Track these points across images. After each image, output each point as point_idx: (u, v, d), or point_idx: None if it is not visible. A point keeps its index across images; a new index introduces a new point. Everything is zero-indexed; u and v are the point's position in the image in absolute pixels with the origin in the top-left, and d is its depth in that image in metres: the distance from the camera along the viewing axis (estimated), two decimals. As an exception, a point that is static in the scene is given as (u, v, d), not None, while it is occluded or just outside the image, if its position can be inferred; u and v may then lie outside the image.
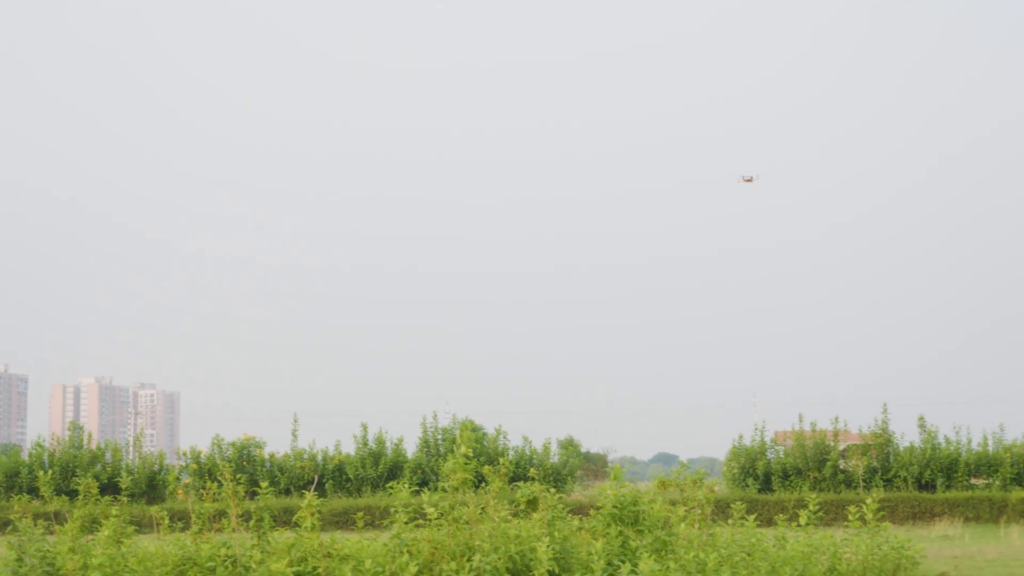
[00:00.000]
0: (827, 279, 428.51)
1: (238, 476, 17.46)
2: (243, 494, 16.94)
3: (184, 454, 48.12)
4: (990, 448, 44.41)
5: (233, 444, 47.89)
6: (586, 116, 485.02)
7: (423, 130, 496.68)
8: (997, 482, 43.29)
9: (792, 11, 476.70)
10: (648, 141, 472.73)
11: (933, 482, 43.77)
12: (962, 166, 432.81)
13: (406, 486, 16.94)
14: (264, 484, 16.92)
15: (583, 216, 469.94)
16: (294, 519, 16.38)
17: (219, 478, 17.21)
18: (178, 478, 46.66)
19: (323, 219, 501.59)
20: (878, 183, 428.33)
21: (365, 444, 47.84)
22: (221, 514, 17.34)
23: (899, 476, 43.79)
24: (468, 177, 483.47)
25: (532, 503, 18.15)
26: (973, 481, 44.72)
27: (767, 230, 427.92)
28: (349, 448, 48.27)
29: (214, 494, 17.00)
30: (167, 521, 17.55)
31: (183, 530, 17.25)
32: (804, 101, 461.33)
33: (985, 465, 44.02)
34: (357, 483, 47.02)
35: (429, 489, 17.48)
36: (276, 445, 51.45)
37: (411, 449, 48.31)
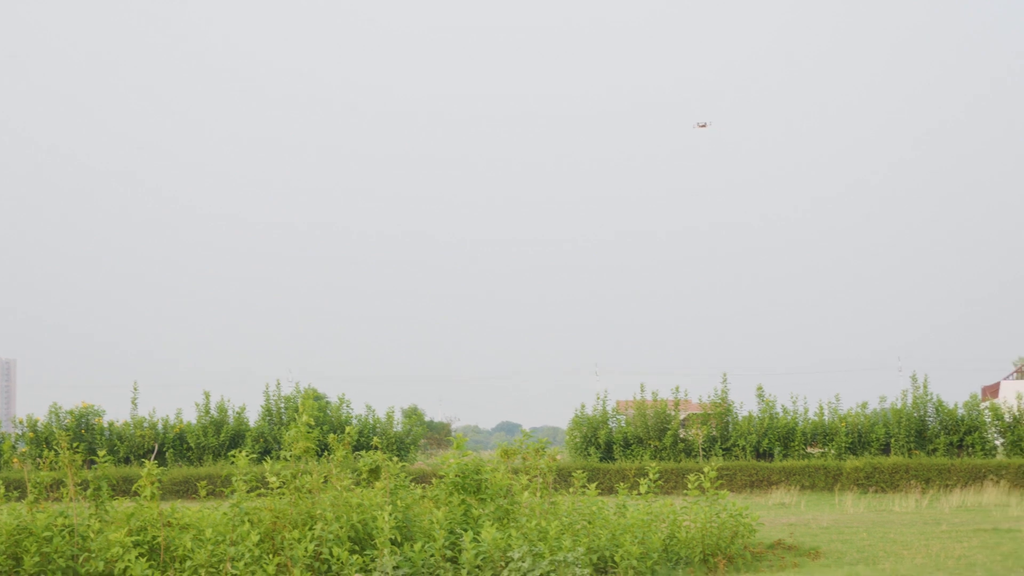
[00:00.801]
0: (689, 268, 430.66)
1: (76, 445, 17.27)
2: (81, 463, 16.74)
3: (20, 422, 47.19)
4: (826, 418, 45.23)
5: (71, 412, 47.08)
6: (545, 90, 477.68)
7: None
8: (832, 451, 44.16)
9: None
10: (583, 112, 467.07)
11: (771, 451, 44.55)
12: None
13: (247, 454, 16.88)
14: (102, 453, 16.74)
15: (481, 186, 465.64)
16: (134, 488, 16.23)
17: (56, 447, 16.98)
18: (14, 447, 45.71)
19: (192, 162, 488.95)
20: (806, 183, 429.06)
21: (207, 412, 47.36)
22: (58, 483, 17.11)
23: (738, 445, 44.47)
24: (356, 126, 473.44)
25: (375, 472, 18.18)
26: (809, 450, 45.57)
27: (660, 214, 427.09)
28: (191, 416, 47.73)
29: (51, 463, 16.78)
30: (3, 490, 17.24)
31: (19, 499, 16.98)
32: (781, 77, 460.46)
33: (821, 434, 44.86)
34: (198, 452, 46.56)
35: (272, 458, 17.42)
36: (115, 414, 50.61)
37: (253, 418, 47.96)
